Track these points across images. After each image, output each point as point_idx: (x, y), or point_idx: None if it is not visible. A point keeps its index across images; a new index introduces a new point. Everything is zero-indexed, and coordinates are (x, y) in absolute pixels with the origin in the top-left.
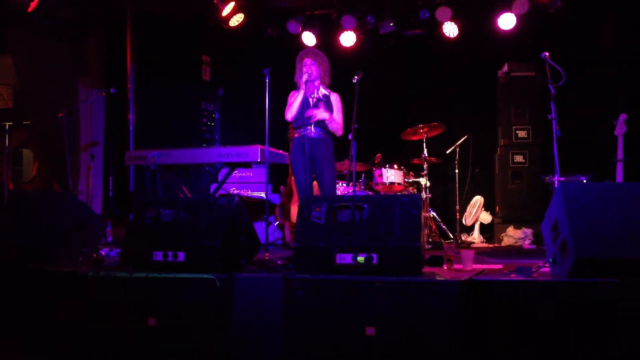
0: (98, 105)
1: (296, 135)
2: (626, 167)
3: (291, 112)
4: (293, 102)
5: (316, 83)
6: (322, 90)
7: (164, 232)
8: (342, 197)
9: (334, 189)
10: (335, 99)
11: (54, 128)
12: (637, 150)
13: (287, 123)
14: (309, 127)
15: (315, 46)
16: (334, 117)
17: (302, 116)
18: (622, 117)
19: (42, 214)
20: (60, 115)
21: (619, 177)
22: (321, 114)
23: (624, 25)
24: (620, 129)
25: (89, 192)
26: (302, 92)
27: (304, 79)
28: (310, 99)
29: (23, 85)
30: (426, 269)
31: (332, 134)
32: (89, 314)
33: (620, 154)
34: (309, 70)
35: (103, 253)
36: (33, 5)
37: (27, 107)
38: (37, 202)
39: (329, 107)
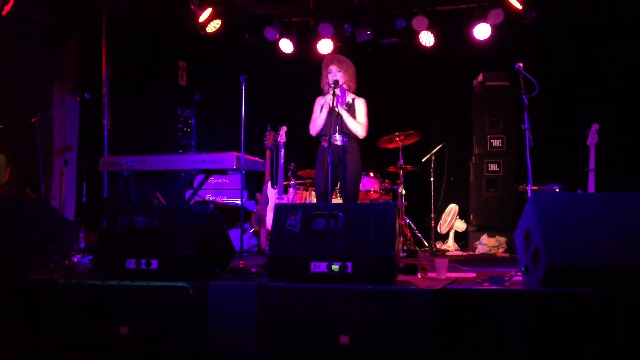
0: (72, 110)
1: (323, 143)
2: (598, 176)
3: (315, 129)
4: (318, 116)
5: (340, 91)
6: (347, 98)
7: (138, 239)
8: (318, 205)
9: (356, 190)
10: (360, 103)
11: (27, 132)
12: (608, 160)
13: (263, 130)
14: (334, 135)
15: (292, 53)
16: (357, 121)
17: (328, 124)
18: (595, 127)
19: (14, 221)
20: (33, 119)
21: (591, 187)
22: (347, 120)
23: (596, 36)
24: (592, 139)
25: (62, 198)
26: (327, 103)
27: (330, 92)
28: (336, 109)
29: None
30: (400, 278)
31: (358, 139)
32: (61, 323)
33: (592, 163)
34: (334, 77)
35: (75, 260)
36: (7, 8)
37: None
38: (8, 208)
39: (352, 114)
